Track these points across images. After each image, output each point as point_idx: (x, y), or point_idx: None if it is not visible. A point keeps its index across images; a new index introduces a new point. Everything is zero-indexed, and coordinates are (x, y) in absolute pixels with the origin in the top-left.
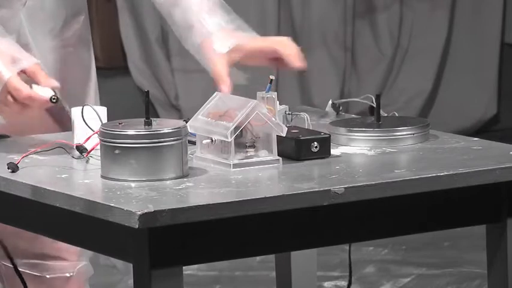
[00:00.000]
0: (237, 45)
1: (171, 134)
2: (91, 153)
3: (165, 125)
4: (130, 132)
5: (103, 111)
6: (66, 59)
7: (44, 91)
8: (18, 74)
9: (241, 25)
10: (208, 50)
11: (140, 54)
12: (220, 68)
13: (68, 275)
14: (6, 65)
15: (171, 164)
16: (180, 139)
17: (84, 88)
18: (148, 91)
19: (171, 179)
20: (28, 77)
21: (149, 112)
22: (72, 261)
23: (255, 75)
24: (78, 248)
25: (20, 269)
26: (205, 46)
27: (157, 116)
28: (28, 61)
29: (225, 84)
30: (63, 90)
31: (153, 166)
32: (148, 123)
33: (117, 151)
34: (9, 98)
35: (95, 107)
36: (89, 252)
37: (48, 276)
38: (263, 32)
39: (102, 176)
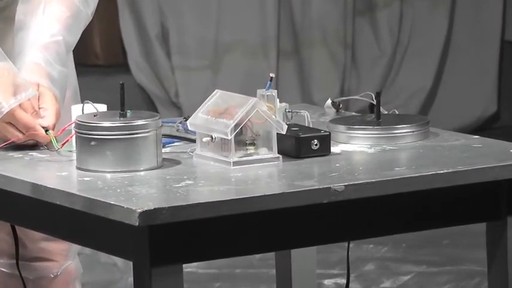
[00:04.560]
0: (35, 82)
1: (145, 126)
2: (57, 144)
3: (140, 117)
4: (106, 124)
5: (103, 108)
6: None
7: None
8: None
9: (59, 77)
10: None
11: (140, 51)
12: (25, 117)
13: (52, 275)
14: (6, 96)
15: (145, 155)
16: (153, 131)
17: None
18: (123, 83)
19: (146, 170)
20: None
21: (124, 104)
22: (57, 261)
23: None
24: (64, 248)
25: (2, 270)
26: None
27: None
28: (27, 94)
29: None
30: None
31: (128, 157)
32: (123, 115)
33: (93, 143)
34: (10, 128)
35: (95, 104)
36: (76, 251)
37: (31, 277)
38: (263, 30)
39: (77, 168)
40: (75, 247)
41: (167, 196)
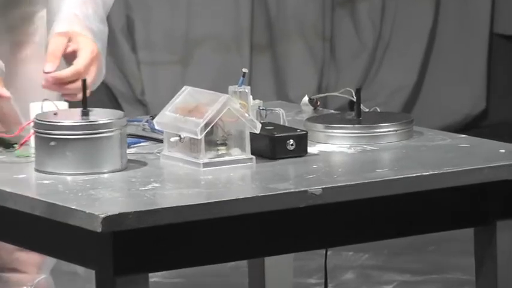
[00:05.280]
0: (77, 33)
1: (108, 125)
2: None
3: (103, 115)
4: (66, 123)
5: (64, 106)
6: (28, 55)
7: None
8: None
9: (101, 34)
10: (54, 26)
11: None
12: (54, 47)
13: None
14: None
15: (109, 156)
16: (118, 130)
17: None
18: (85, 79)
19: (109, 172)
20: None
21: (86, 102)
22: (30, 273)
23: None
24: (38, 260)
25: None
26: (55, 23)
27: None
28: None
29: (52, 63)
30: (22, 85)
31: (90, 158)
32: (85, 114)
33: (52, 143)
34: None
35: (56, 102)
36: (50, 265)
37: None
38: (236, 22)
39: (36, 170)
40: (49, 261)
41: (132, 200)
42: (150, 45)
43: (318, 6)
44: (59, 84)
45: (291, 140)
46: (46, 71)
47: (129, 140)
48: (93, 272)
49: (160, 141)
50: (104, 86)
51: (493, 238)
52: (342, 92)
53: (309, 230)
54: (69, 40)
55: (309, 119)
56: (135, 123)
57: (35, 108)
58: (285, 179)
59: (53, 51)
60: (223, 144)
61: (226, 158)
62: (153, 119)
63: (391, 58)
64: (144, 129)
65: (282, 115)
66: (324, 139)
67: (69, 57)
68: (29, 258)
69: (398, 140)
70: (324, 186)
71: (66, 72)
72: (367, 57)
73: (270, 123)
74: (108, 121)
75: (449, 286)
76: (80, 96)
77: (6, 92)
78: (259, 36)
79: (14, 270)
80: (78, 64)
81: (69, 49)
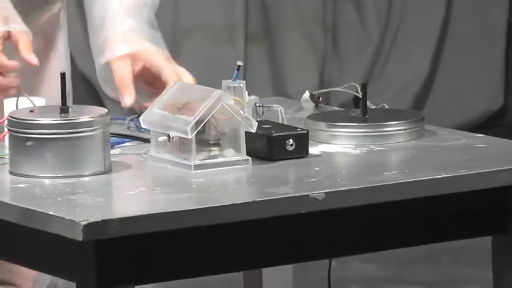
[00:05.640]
0: (139, 50)
1: (90, 123)
2: None
3: (84, 112)
4: (44, 121)
5: (41, 103)
6: (42, 47)
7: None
8: (3, 35)
9: (158, 40)
10: (109, 49)
11: (85, 36)
12: (123, 74)
13: None
14: None
15: (91, 158)
16: (100, 129)
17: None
18: (64, 73)
19: (91, 175)
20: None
21: (66, 98)
22: None
23: None
24: (32, 274)
25: None
26: (108, 45)
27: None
28: (19, 26)
29: (128, 94)
30: (39, 79)
31: (70, 160)
32: (64, 111)
33: (29, 143)
34: None
35: (32, 98)
36: (48, 279)
37: None
38: (229, 10)
39: (10, 172)
40: (45, 278)
41: (117, 206)
42: None
43: None
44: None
45: (291, 140)
46: (125, 104)
47: (113, 139)
48: (74, 284)
49: (147, 141)
50: (84, 80)
51: None
52: (346, 87)
53: (311, 238)
54: (134, 60)
55: (310, 117)
56: (119, 121)
57: (9, 105)
58: (284, 183)
59: (122, 79)
60: (216, 144)
61: (220, 160)
62: (139, 117)
63: (399, 50)
64: (129, 128)
65: (281, 112)
66: (326, 139)
67: (141, 78)
68: (24, 271)
69: (408, 140)
70: (326, 191)
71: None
72: (373, 49)
73: (267, 122)
74: (90, 119)
75: None
76: None
77: (34, 59)
78: (255, 25)
79: (9, 283)
80: (169, 77)
81: (138, 68)
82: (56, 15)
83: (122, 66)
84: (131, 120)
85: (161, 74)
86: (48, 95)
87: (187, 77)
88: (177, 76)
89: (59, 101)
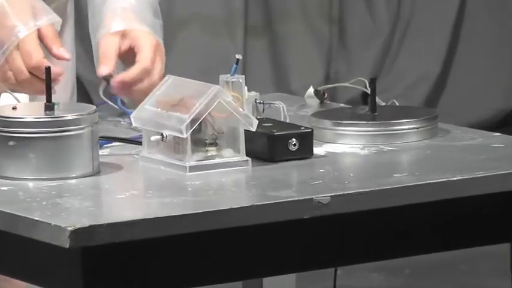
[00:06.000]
0: (131, 29)
1: (77, 121)
2: None
3: (71, 109)
4: (28, 118)
5: (24, 99)
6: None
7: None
8: (36, 34)
9: (156, 27)
10: (106, 26)
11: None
12: (107, 47)
13: None
14: (24, 19)
15: (78, 158)
16: (88, 127)
17: (66, 72)
18: (49, 67)
19: (78, 177)
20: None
21: (51, 94)
22: None
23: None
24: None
25: None
26: (106, 22)
27: None
28: (49, 18)
29: (106, 64)
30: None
31: (56, 161)
32: (49, 108)
33: (11, 143)
34: (18, 61)
35: (16, 94)
36: None
37: None
38: (228, 0)
39: None
40: None
41: (106, 210)
42: None
43: None
44: (127, 88)
45: (294, 139)
46: (100, 73)
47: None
48: None
49: (139, 143)
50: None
51: None
52: (354, 82)
53: (315, 245)
54: (123, 37)
55: (315, 114)
56: (109, 119)
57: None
58: (286, 185)
59: (106, 51)
60: (213, 144)
61: (217, 161)
62: (108, 84)
63: (411, 42)
64: (118, 126)
65: (283, 110)
66: (332, 138)
67: (127, 56)
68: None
69: (420, 139)
70: (332, 194)
71: (133, 72)
72: (382, 41)
73: (268, 120)
74: (77, 117)
75: None
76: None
77: (66, 54)
78: (255, 16)
79: None
80: (143, 59)
81: (124, 46)
82: (64, 5)
83: (109, 41)
84: (104, 89)
85: (136, 56)
86: (52, 88)
87: (154, 76)
88: (149, 64)
89: (65, 96)
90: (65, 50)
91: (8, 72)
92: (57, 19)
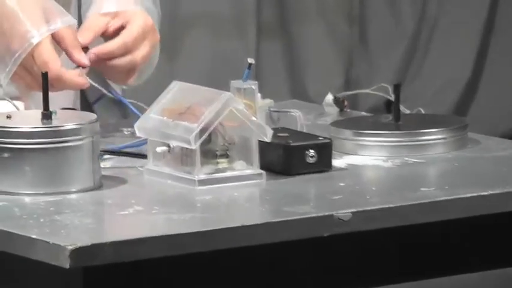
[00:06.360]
0: (124, 10)
1: (77, 131)
2: None
3: (70, 118)
4: (23, 128)
5: (19, 107)
6: None
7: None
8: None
9: (153, 15)
10: (96, 6)
11: None
12: (90, 23)
13: None
14: (36, 23)
15: (78, 172)
16: (89, 138)
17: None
18: (46, 72)
19: (79, 191)
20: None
21: (48, 101)
22: None
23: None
24: None
25: None
26: (97, 3)
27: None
28: (63, 20)
29: (83, 36)
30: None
31: (54, 174)
32: (47, 117)
33: (5, 154)
34: (36, 69)
35: (15, 101)
36: None
37: None
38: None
39: None
40: None
41: (108, 228)
42: None
43: None
44: (103, 61)
45: (311, 151)
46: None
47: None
48: None
49: (143, 156)
50: None
51: None
52: (376, 88)
53: (335, 265)
54: (114, 17)
55: (334, 124)
56: (110, 128)
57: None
58: (303, 201)
59: (89, 26)
60: (224, 155)
61: (229, 174)
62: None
63: (438, 45)
64: (121, 134)
65: (299, 118)
66: (353, 149)
67: (112, 36)
68: None
69: (448, 151)
70: (353, 210)
71: (111, 44)
72: (407, 45)
73: (283, 129)
74: (77, 126)
75: None
76: (131, 81)
77: (85, 59)
78: (268, 15)
79: None
80: (126, 33)
81: (115, 25)
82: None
83: (95, 18)
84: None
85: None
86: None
87: (135, 56)
88: (131, 40)
89: (68, 98)
90: (85, 56)
91: (28, 77)
92: (73, 21)
